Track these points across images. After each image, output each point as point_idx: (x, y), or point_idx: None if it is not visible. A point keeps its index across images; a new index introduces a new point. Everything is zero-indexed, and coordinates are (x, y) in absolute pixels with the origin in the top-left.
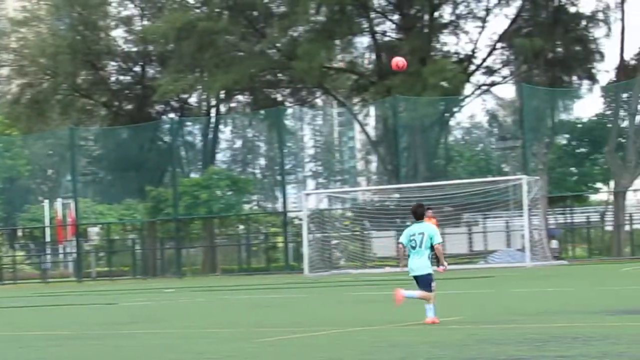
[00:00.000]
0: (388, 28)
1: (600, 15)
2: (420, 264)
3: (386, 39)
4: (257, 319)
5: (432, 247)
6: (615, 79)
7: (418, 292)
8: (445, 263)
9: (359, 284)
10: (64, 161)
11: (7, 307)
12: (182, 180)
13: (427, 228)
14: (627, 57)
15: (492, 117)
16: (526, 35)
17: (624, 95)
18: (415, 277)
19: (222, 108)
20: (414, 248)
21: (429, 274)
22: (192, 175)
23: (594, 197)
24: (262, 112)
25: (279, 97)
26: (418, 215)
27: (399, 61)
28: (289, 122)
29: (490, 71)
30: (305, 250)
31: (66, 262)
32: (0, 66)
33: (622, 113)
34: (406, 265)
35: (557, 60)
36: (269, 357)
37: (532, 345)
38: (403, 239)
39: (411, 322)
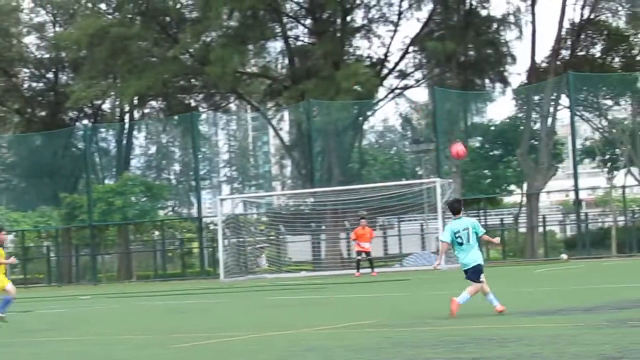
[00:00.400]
0: (301, 32)
1: (511, 18)
2: (473, 257)
3: (299, 43)
4: (173, 324)
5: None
6: (526, 82)
7: (469, 291)
8: (497, 239)
9: (275, 289)
10: None
11: None
12: (97, 186)
13: (469, 222)
14: (538, 59)
15: (406, 120)
16: (438, 38)
17: (536, 98)
18: (466, 270)
19: (136, 114)
20: (461, 245)
21: (480, 264)
22: (107, 181)
23: (507, 199)
24: (176, 117)
25: (193, 103)
26: (455, 210)
27: (459, 150)
28: (203, 128)
29: (403, 75)
30: (221, 255)
31: None
32: None
33: (534, 115)
34: (440, 264)
35: (469, 63)
36: None
37: (448, 347)
38: (446, 237)
39: (327, 326)
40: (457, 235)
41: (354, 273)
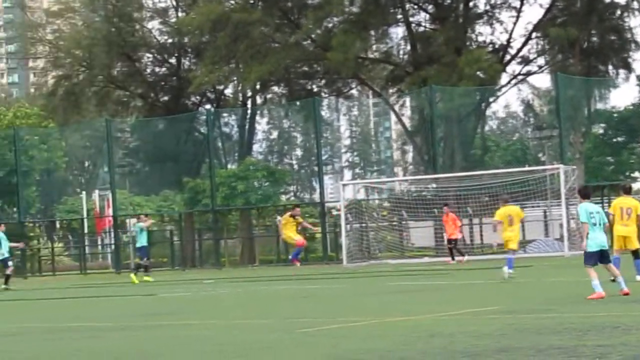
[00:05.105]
0: (423, 18)
1: (635, 4)
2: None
3: (421, 29)
4: (296, 309)
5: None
6: None
7: (614, 269)
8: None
9: (398, 274)
10: (100, 153)
11: (46, 298)
12: (219, 171)
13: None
14: None
15: (528, 106)
16: (561, 24)
17: None
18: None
19: (258, 99)
20: (595, 225)
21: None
22: (229, 166)
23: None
24: (298, 103)
25: (315, 88)
26: (585, 195)
27: None
28: (325, 113)
29: (525, 61)
30: (344, 240)
31: (105, 254)
32: (36, 58)
33: None
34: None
35: (592, 50)
36: (309, 347)
37: (572, 334)
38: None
39: (449, 312)
40: (591, 215)
41: (474, 259)
